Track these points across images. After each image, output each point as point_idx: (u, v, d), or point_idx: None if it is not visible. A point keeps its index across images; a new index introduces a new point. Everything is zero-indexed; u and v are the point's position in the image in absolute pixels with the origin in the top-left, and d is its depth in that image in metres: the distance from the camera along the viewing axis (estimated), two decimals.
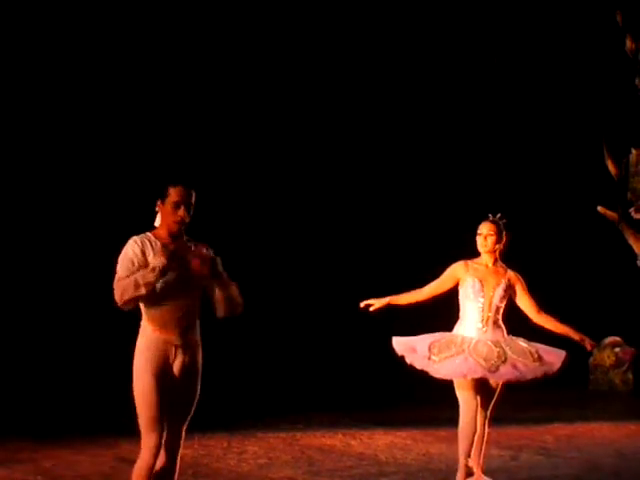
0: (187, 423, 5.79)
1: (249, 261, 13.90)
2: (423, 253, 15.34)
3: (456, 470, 7.49)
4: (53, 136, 14.85)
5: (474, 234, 7.59)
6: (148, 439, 5.63)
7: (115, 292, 5.57)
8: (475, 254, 7.61)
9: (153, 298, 5.60)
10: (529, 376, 7.36)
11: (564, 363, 7.47)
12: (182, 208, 5.65)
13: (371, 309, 7.70)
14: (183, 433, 5.79)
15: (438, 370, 7.33)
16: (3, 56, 14.20)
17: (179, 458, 5.81)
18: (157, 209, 5.74)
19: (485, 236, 7.53)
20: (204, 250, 5.71)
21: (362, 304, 7.71)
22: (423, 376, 7.47)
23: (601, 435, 10.72)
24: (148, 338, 5.67)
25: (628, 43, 14.90)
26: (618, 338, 15.16)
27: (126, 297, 5.53)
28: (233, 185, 15.86)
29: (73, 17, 14.73)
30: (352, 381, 14.50)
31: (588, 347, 7.66)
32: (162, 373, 5.63)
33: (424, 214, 16.59)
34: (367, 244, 16.85)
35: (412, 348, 7.46)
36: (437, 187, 17.08)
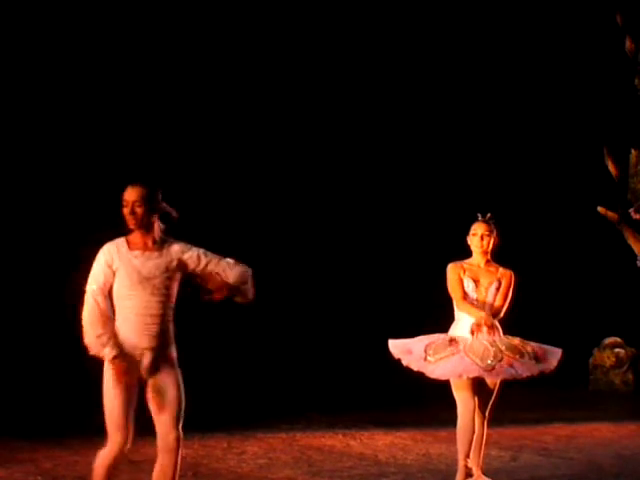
0: (180, 420, 5.82)
1: (249, 262, 13.90)
2: (422, 253, 15.34)
3: (456, 471, 7.50)
4: (38, 137, 14.77)
5: (462, 235, 7.61)
6: (114, 436, 5.80)
7: (83, 318, 5.77)
8: (463, 254, 7.62)
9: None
10: (525, 374, 7.35)
11: (560, 361, 7.47)
12: (130, 207, 5.78)
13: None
14: (178, 431, 5.80)
15: (434, 371, 7.33)
16: None
17: (179, 458, 5.82)
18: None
19: (481, 236, 7.54)
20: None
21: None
22: (421, 377, 7.47)
23: (601, 435, 10.70)
24: (116, 336, 5.77)
25: (628, 44, 14.88)
26: (618, 338, 15.16)
27: (85, 340, 5.75)
28: (231, 188, 15.87)
29: (39, 14, 14.58)
30: (352, 382, 14.50)
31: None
32: (130, 377, 5.74)
33: (423, 215, 16.57)
34: (366, 244, 16.85)
35: (408, 350, 7.46)
36: (436, 188, 17.05)
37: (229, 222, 15.29)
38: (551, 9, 16.54)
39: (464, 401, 7.39)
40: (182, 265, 5.83)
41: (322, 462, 8.81)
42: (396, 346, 7.52)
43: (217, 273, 5.83)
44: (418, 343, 7.46)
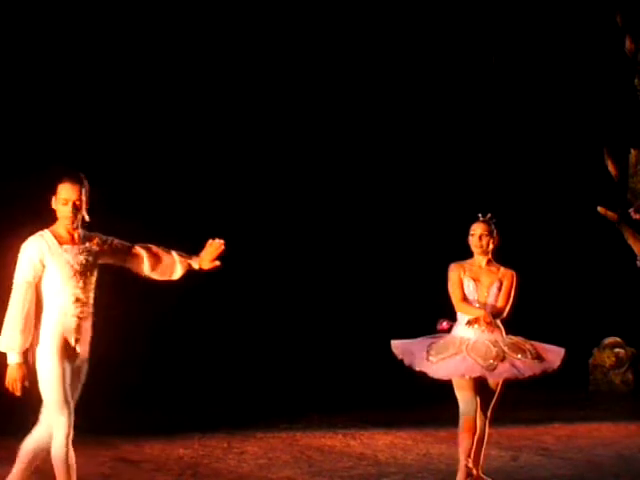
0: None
1: (248, 261, 13.90)
2: (424, 254, 15.34)
3: (456, 470, 7.49)
4: None
5: (464, 235, 7.61)
6: (60, 414, 5.98)
7: (7, 311, 5.82)
8: (466, 255, 7.62)
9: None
10: (527, 374, 7.36)
11: (563, 360, 7.47)
12: (72, 205, 5.86)
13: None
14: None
15: (437, 371, 7.33)
16: None
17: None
18: (53, 206, 5.95)
19: (480, 236, 7.54)
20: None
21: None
22: (423, 377, 7.47)
23: (601, 435, 10.70)
24: (50, 327, 5.89)
25: (628, 43, 14.88)
26: (618, 338, 15.16)
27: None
28: (232, 188, 15.85)
29: None
30: (352, 381, 14.49)
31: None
32: (67, 358, 5.93)
33: (425, 215, 16.56)
34: (368, 245, 16.84)
35: (410, 350, 7.47)
36: (437, 189, 17.04)
37: (231, 222, 15.27)
38: (551, 9, 16.53)
39: (466, 401, 7.39)
40: (104, 255, 6.02)
41: (322, 462, 8.81)
42: (398, 346, 7.53)
43: (134, 259, 6.06)
44: (420, 343, 7.47)
